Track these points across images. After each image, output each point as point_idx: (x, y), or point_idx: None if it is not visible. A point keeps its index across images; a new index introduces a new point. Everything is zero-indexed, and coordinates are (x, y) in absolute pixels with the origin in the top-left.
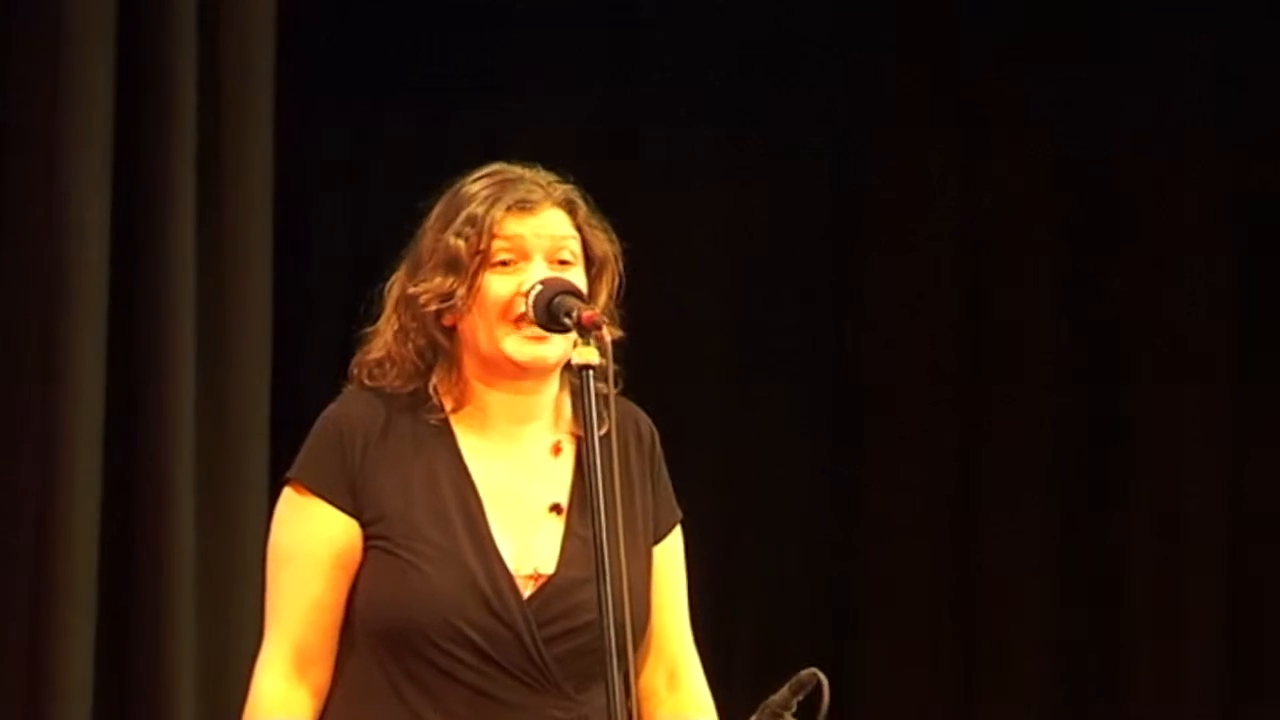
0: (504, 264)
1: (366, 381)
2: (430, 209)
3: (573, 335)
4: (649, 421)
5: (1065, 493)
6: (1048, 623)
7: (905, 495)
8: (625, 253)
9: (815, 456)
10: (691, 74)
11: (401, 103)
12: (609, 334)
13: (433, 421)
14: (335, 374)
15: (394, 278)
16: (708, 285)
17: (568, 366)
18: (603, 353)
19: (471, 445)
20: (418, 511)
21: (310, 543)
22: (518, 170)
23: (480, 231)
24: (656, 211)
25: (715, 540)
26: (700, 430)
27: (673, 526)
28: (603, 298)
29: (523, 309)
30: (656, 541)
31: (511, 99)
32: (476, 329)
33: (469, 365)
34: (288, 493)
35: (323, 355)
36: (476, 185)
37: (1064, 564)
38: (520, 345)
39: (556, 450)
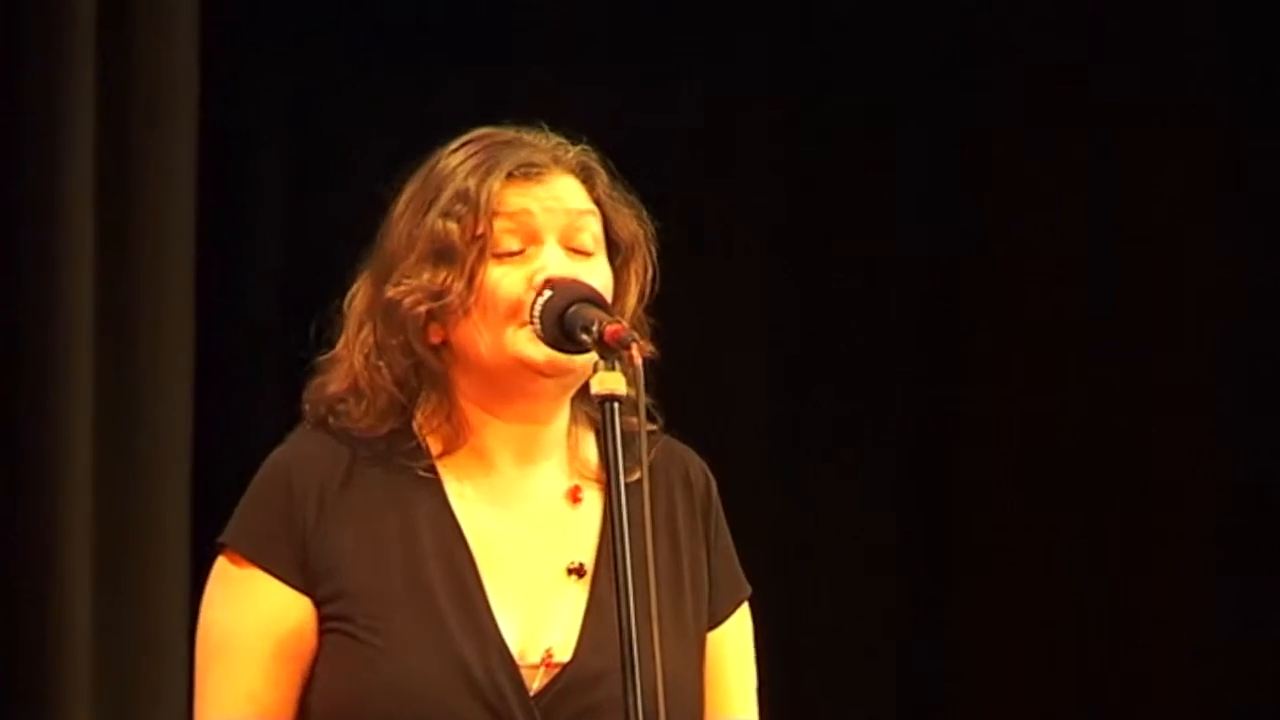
0: (510, 254)
1: (327, 420)
2: (395, 196)
3: (593, 354)
4: (703, 467)
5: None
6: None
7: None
8: (659, 235)
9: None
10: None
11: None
12: (640, 352)
13: (415, 471)
14: (279, 410)
15: (355, 288)
16: (760, 284)
17: (583, 395)
18: (632, 379)
19: (463, 492)
20: (390, 580)
21: (248, 627)
22: (510, 131)
23: (476, 209)
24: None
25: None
26: (752, 474)
27: (737, 604)
28: (631, 298)
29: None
30: (714, 625)
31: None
32: (477, 337)
33: (465, 389)
34: (220, 564)
35: (262, 386)
36: (460, 154)
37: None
38: (531, 345)
39: (575, 497)
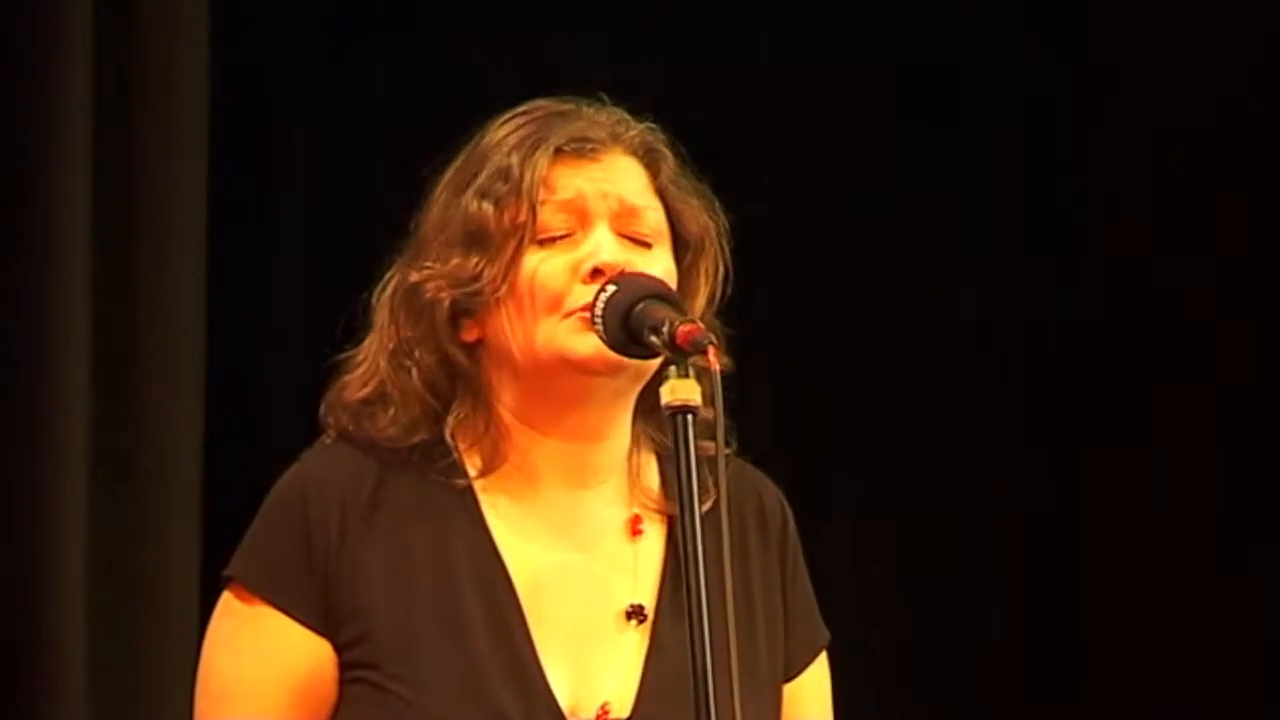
0: (553, 240)
1: (350, 430)
2: (437, 175)
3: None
4: (779, 496)
5: None
6: None
7: None
8: (733, 230)
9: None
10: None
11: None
12: (717, 360)
13: (451, 489)
14: (299, 420)
15: (387, 278)
16: (850, 281)
17: (645, 412)
18: (710, 388)
19: (507, 520)
20: (422, 622)
21: (258, 674)
22: (567, 104)
23: (518, 189)
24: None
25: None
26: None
27: (816, 653)
28: (700, 300)
29: (584, 301)
30: (790, 676)
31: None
32: (512, 331)
33: (505, 398)
34: (227, 599)
35: (282, 388)
36: (507, 127)
37: None
38: (573, 335)
39: (635, 528)
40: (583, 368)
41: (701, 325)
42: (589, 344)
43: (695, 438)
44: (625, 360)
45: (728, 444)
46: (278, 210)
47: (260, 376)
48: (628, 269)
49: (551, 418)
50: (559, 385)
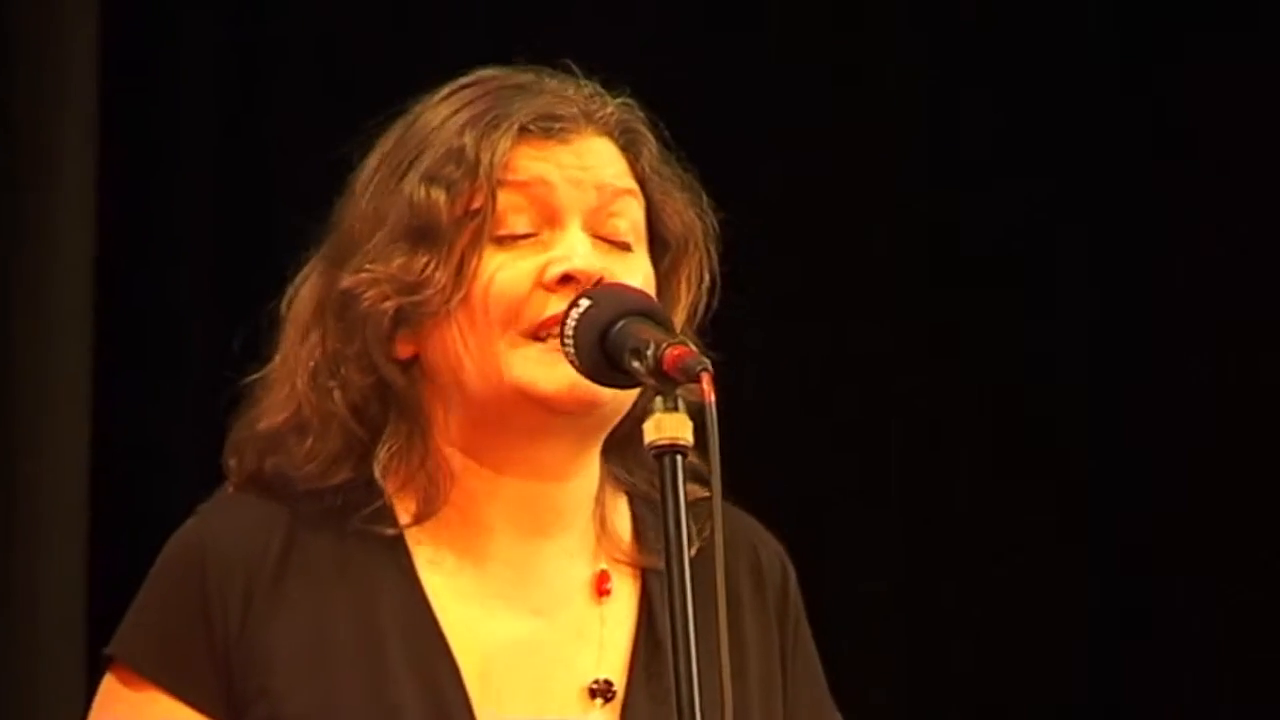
0: (515, 239)
1: (257, 471)
2: (363, 156)
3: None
4: (779, 551)
5: None
6: None
7: None
8: (724, 228)
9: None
10: None
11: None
12: (712, 389)
13: (379, 540)
14: (202, 463)
15: (300, 282)
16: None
17: (616, 445)
18: (702, 421)
19: (447, 577)
20: (344, 706)
21: None
22: (527, 74)
23: (473, 174)
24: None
25: None
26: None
27: None
28: (679, 314)
29: (550, 313)
30: None
31: None
32: (461, 350)
33: (445, 427)
34: (109, 684)
35: (177, 429)
36: (454, 101)
37: None
38: (541, 366)
39: (601, 588)
40: (550, 405)
41: (693, 348)
42: (559, 376)
43: (684, 477)
44: (601, 395)
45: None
46: (172, 206)
47: (152, 384)
48: (606, 278)
49: (501, 453)
50: (517, 420)
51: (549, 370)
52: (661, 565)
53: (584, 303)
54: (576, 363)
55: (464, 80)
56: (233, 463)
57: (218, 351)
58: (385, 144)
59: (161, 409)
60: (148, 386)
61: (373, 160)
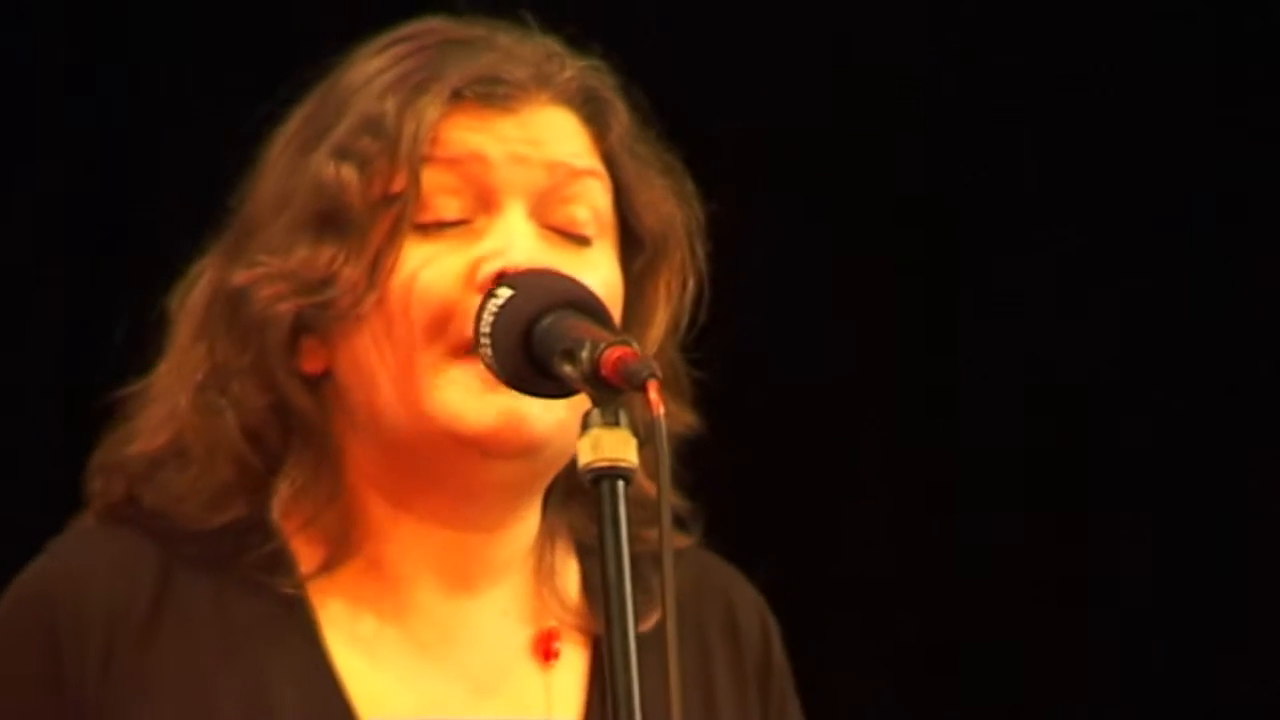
0: (441, 227)
1: (126, 502)
2: (275, 126)
3: (566, 406)
4: (759, 605)
5: None
6: None
7: None
8: (713, 224)
9: None
10: None
11: None
12: (660, 400)
13: (272, 593)
14: (52, 486)
15: (193, 274)
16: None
17: (562, 488)
18: (648, 441)
19: (357, 642)
20: None
21: None
22: (478, 28)
23: (394, 145)
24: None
25: None
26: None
27: None
28: (655, 327)
29: (472, 330)
30: None
31: None
32: (377, 366)
33: (357, 457)
34: None
35: (27, 448)
36: (381, 60)
37: None
38: (470, 394)
39: (545, 650)
40: (480, 445)
41: (637, 348)
42: (489, 408)
43: (630, 515)
44: (541, 433)
45: (682, 526)
46: (26, 186)
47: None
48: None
49: (428, 497)
50: (442, 460)
51: (478, 400)
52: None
53: (503, 292)
54: (494, 367)
55: (403, 30)
56: (96, 484)
57: (84, 365)
58: (303, 109)
59: (22, 429)
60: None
61: (287, 128)
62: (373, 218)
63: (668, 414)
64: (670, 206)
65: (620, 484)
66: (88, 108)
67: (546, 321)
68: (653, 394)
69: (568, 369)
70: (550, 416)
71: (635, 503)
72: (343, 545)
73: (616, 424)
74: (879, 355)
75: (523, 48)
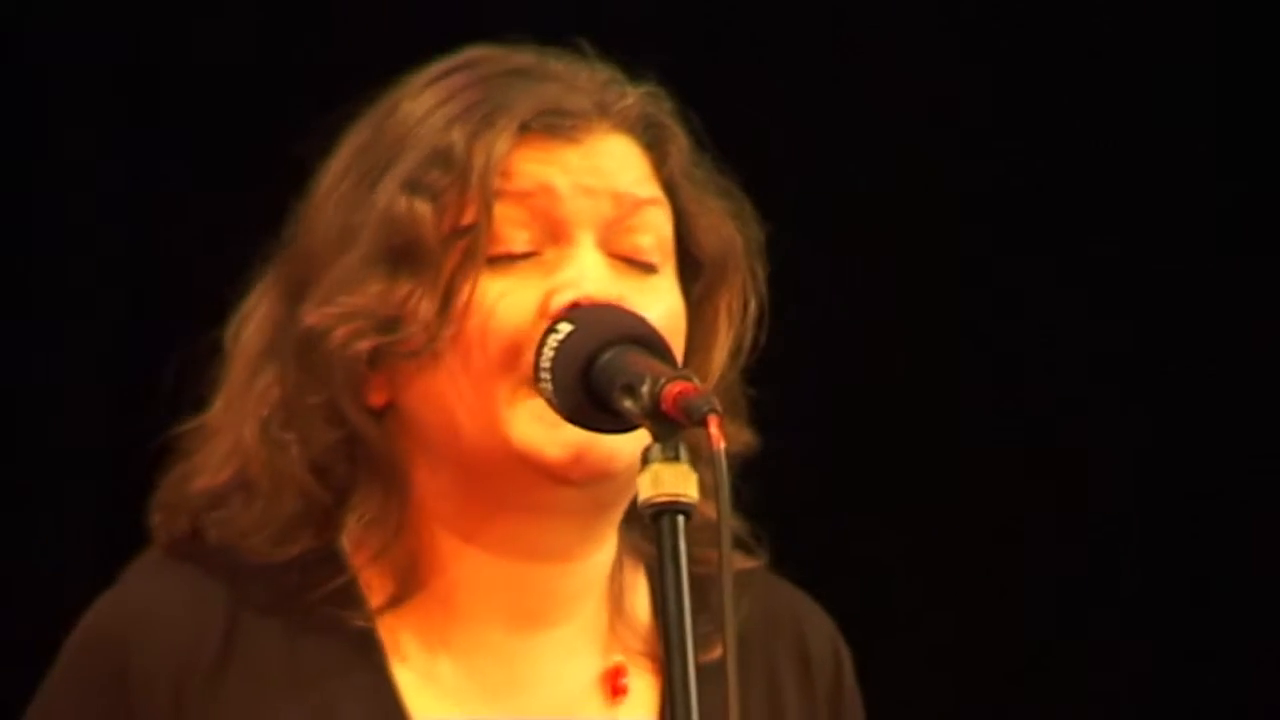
0: (515, 257)
1: (191, 539)
2: (324, 157)
3: (643, 436)
4: (832, 633)
5: None
6: None
7: None
8: (774, 245)
9: None
10: None
11: None
12: (721, 432)
13: (342, 628)
14: (104, 524)
15: (247, 311)
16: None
17: (635, 509)
18: (710, 477)
19: (426, 678)
20: None
21: None
22: (528, 55)
23: (464, 181)
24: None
25: None
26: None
27: None
28: (717, 351)
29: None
30: None
31: None
32: (454, 400)
33: (429, 490)
34: None
35: (78, 484)
36: (438, 92)
37: None
38: (546, 426)
39: (615, 685)
40: (555, 475)
41: (698, 383)
42: (565, 440)
43: (696, 537)
44: (617, 461)
45: (747, 549)
46: (67, 211)
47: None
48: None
49: (501, 528)
50: (515, 490)
51: (554, 431)
52: (704, 658)
53: (563, 327)
54: (554, 402)
55: (452, 62)
56: (159, 520)
57: (138, 400)
58: (355, 140)
59: (71, 466)
60: (56, 436)
61: (340, 161)
62: (446, 252)
63: (727, 437)
64: (729, 229)
65: (680, 519)
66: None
67: (606, 356)
68: (714, 429)
69: (628, 404)
70: (627, 446)
71: (702, 524)
72: (411, 578)
73: (677, 459)
74: (879, 355)
75: (580, 76)
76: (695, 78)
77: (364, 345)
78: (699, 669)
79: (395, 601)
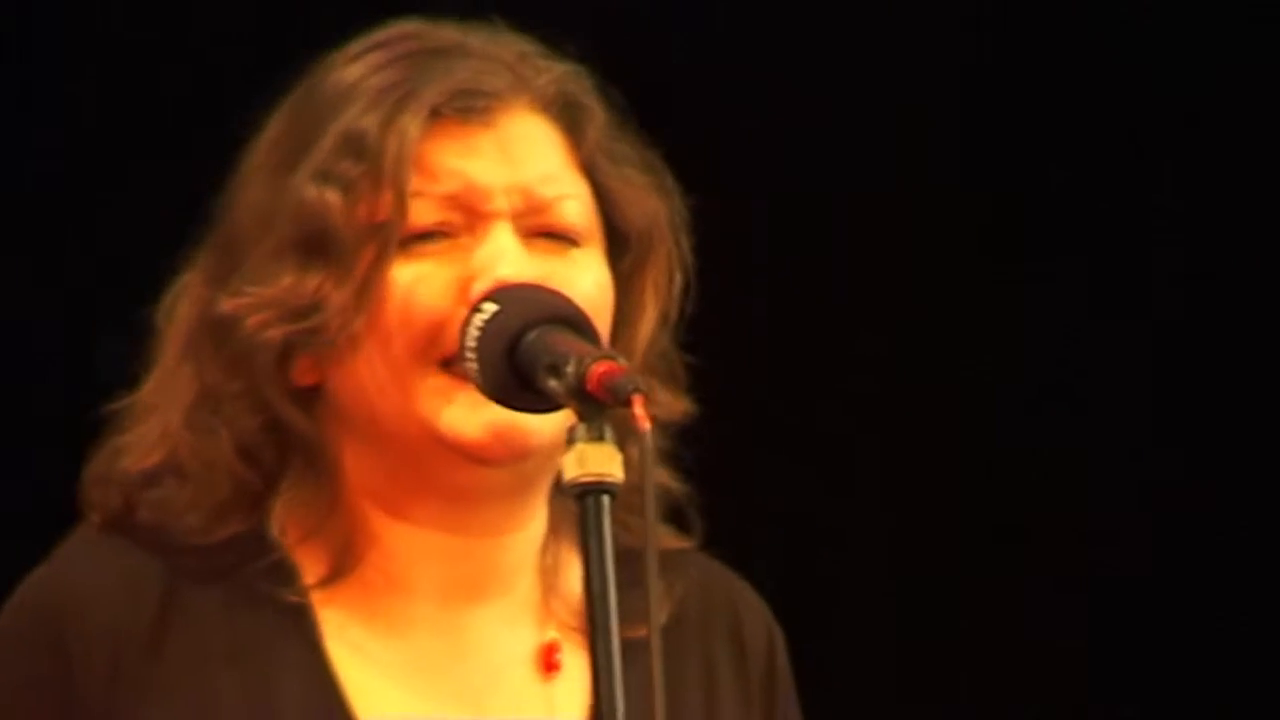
0: (425, 241)
1: (127, 516)
2: (249, 138)
3: (564, 414)
4: (765, 615)
5: None
6: None
7: None
8: (699, 219)
9: None
10: None
11: None
12: (645, 410)
13: (276, 604)
14: (49, 491)
15: (176, 292)
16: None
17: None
18: (637, 455)
19: (360, 652)
20: None
21: None
22: (449, 31)
23: (378, 167)
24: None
25: None
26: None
27: None
28: (644, 324)
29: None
30: None
31: None
32: (372, 378)
33: (356, 469)
34: None
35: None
36: (357, 69)
37: None
38: (460, 405)
39: (549, 661)
40: (474, 454)
41: (623, 362)
42: (481, 418)
43: (632, 503)
44: (535, 436)
45: (681, 527)
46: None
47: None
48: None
49: (428, 505)
50: (439, 470)
51: (473, 412)
52: (633, 633)
53: (488, 307)
54: (480, 382)
55: (378, 37)
56: (93, 495)
57: (76, 376)
58: (278, 121)
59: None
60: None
61: (264, 141)
62: (358, 241)
63: (661, 404)
64: (652, 203)
65: (605, 499)
66: None
67: (531, 336)
68: (638, 409)
69: (553, 384)
70: (547, 426)
71: (635, 494)
72: (346, 556)
73: (602, 439)
74: (880, 355)
75: (498, 49)
76: (683, 68)
77: (276, 334)
78: (631, 643)
79: (330, 578)
